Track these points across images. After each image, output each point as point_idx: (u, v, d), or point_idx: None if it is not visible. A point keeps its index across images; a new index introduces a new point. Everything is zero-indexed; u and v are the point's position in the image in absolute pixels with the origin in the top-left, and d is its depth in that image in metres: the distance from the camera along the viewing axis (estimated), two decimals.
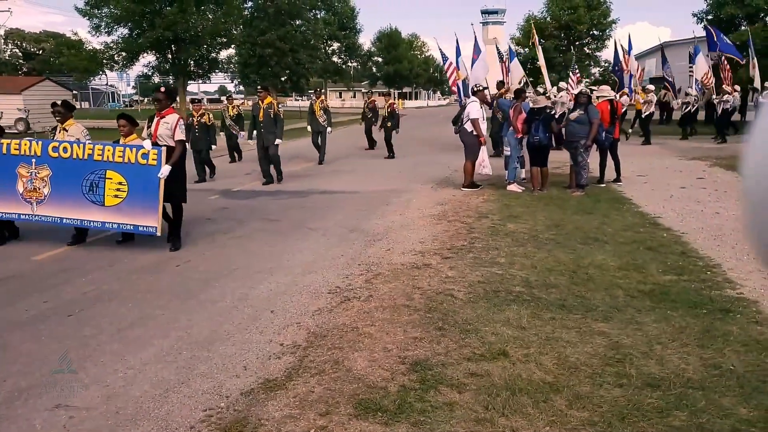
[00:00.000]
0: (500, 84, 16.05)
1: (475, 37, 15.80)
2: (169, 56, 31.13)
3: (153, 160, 6.01)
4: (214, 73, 36.74)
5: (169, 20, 27.88)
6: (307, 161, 14.41)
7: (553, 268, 5.24)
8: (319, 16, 46.36)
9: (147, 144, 6.14)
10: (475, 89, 10.18)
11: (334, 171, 13.02)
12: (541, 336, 3.77)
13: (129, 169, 6.09)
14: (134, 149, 6.09)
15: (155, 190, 6.01)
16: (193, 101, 13.22)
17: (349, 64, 58.49)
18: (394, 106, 16.08)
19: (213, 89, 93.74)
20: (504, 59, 18.43)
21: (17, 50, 51.48)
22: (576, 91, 11.59)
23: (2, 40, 47.69)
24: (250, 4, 37.91)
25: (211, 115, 11.97)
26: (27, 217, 6.44)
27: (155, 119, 6.44)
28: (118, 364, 3.59)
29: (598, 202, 8.35)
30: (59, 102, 6.95)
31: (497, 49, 18.83)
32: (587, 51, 40.45)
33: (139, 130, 7.05)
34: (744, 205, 0.78)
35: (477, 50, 15.63)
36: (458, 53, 17.73)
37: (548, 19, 39.12)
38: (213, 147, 11.88)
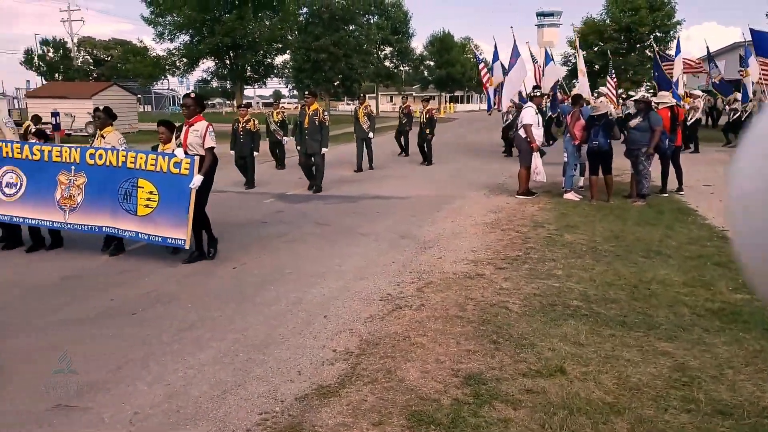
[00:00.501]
0: (535, 89, 15.64)
1: (514, 40, 15.48)
2: (227, 62, 32.07)
3: (185, 169, 5.80)
4: (269, 78, 37.57)
5: (227, 27, 28.74)
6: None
7: (612, 282, 5.07)
8: (372, 21, 46.73)
9: (179, 153, 5.92)
10: (532, 94, 10.03)
11: (384, 176, 13.05)
12: (600, 353, 3.65)
13: (160, 178, 5.90)
14: (166, 158, 5.90)
15: (186, 201, 5.79)
16: (239, 106, 13.05)
17: (401, 68, 58.57)
18: (433, 112, 15.58)
19: (268, 93, 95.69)
20: (537, 63, 17.97)
21: (88, 57, 54.14)
22: (633, 98, 11.22)
23: (75, 48, 50.23)
24: (305, 10, 38.61)
25: (256, 121, 11.85)
26: (59, 225, 6.33)
27: (184, 127, 6.17)
28: (179, 364, 3.69)
29: (660, 213, 8.04)
30: (101, 108, 6.88)
31: (530, 52, 18.32)
32: (649, 54, 39.14)
33: None
34: (731, 232, 0.73)
35: (515, 54, 15.33)
36: (495, 58, 17.44)
37: (607, 21, 38.09)
38: (255, 153, 11.64)
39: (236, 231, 7.55)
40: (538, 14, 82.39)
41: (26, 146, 6.40)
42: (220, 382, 3.45)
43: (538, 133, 9.54)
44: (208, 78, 35.42)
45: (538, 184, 9.91)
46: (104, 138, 6.60)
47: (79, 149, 6.27)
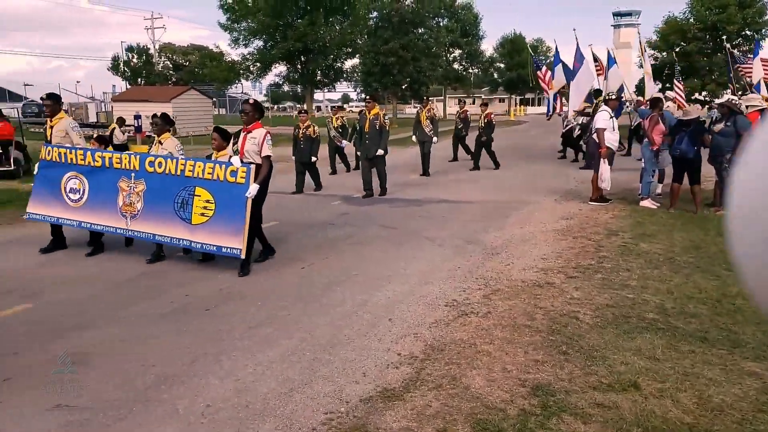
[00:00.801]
0: (597, 93, 14.94)
1: (577, 44, 15.07)
2: (299, 66, 32.88)
3: (241, 178, 5.69)
4: (338, 82, 38.24)
5: (299, 32, 29.51)
6: (438, 169, 14.35)
7: (692, 295, 4.81)
8: (441, 24, 46.61)
9: (236, 161, 5.80)
10: (607, 98, 9.69)
11: (452, 180, 12.96)
12: (678, 370, 3.46)
13: (217, 186, 5.80)
14: (223, 166, 5.80)
15: (242, 210, 5.66)
16: (299, 112, 12.70)
17: (470, 70, 58.06)
18: (491, 116, 14.68)
19: (336, 97, 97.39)
20: (599, 62, 17.24)
21: (168, 62, 57.07)
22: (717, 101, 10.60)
23: (157, 54, 53.03)
24: (375, 14, 39.00)
25: (316, 127, 11.67)
26: (122, 231, 6.36)
27: (242, 134, 6.08)
28: (248, 360, 3.80)
29: None
30: (158, 114, 6.87)
31: (593, 54, 17.44)
32: (737, 53, 36.88)
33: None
34: (731, 239, 0.72)
35: (579, 58, 14.91)
36: (556, 61, 16.90)
37: (691, 20, 36.19)
38: (313, 159, 11.41)
39: (304, 232, 7.72)
40: (615, 14, 79.41)
41: (89, 153, 6.50)
42: (287, 380, 3.52)
43: (613, 138, 9.19)
44: (280, 82, 36.44)
45: (613, 190, 9.55)
46: (162, 144, 6.58)
47: (138, 156, 6.32)
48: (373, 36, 38.55)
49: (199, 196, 5.87)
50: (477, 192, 10.99)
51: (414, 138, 13.95)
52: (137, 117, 21.91)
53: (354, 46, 35.05)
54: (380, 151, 10.38)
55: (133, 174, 6.28)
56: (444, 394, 3.29)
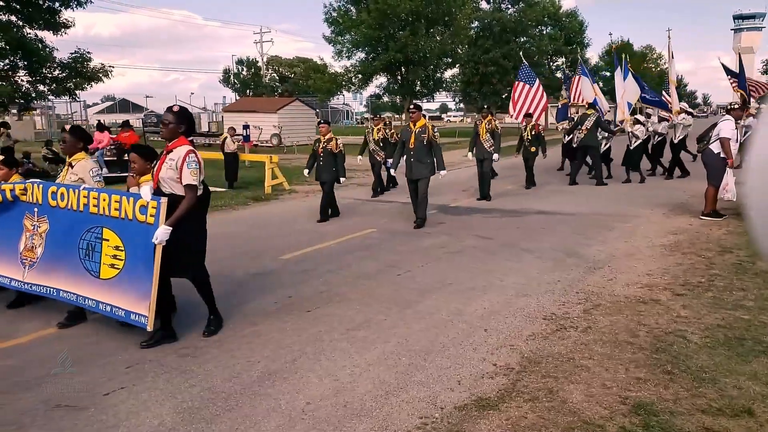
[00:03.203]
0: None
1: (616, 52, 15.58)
2: (399, 77, 33.43)
3: (151, 216, 4.14)
4: (437, 92, 38.40)
5: (401, 43, 30.00)
6: (521, 181, 14.08)
7: None
8: (545, 32, 45.56)
9: (145, 192, 4.18)
10: (729, 107, 9.08)
11: (551, 191, 12.64)
12: None
13: (126, 227, 4.28)
14: (131, 199, 4.24)
15: (150, 262, 4.13)
16: (319, 122, 10.20)
17: None
18: (540, 128, 13.46)
19: (434, 107, 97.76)
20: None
21: (275, 74, 60.13)
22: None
23: (264, 66, 56.06)
24: (476, 24, 38.85)
25: (339, 141, 9.49)
26: (17, 284, 4.89)
27: (164, 154, 4.40)
28: (346, 361, 3.97)
29: None
30: (67, 127, 5.21)
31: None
32: None
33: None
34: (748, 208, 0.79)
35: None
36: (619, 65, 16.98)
37: None
38: (341, 180, 9.59)
39: (400, 239, 7.86)
40: (736, 17, 73.73)
41: None
42: (383, 382, 3.64)
43: (735, 150, 8.60)
44: (380, 93, 37.25)
45: (726, 204, 8.91)
46: (72, 168, 4.86)
47: (41, 186, 4.82)
48: (473, 46, 38.42)
49: (108, 240, 4.38)
50: (577, 203, 10.65)
51: (470, 155, 11.78)
52: (246, 127, 23.29)
53: (454, 56, 35.08)
54: (443, 173, 8.80)
55: (36, 209, 4.85)
56: (540, 407, 3.26)
